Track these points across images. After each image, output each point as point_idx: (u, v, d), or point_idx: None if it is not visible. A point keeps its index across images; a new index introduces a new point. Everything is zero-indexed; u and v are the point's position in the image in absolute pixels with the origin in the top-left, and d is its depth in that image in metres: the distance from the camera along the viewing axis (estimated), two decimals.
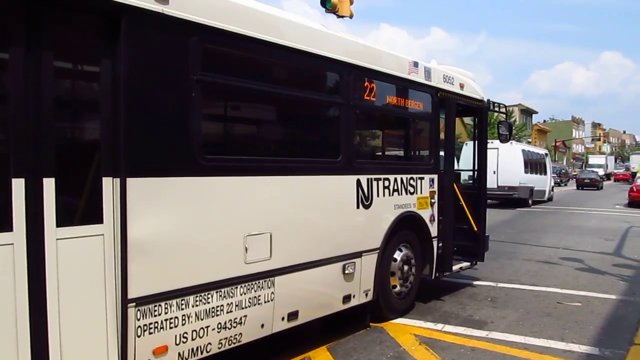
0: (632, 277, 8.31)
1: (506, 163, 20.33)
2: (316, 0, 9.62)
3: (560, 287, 7.47)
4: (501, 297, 6.97)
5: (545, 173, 25.20)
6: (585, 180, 40.77)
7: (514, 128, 22.66)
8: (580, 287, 7.48)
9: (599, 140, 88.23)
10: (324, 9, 9.33)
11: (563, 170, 50.95)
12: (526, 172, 22.04)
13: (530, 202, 22.54)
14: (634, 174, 34.40)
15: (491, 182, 15.89)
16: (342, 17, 9.50)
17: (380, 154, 6.35)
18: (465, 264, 7.29)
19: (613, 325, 5.79)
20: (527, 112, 74.41)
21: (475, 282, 7.78)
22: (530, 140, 71.89)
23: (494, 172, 19.50)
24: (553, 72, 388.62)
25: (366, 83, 5.37)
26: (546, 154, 26.72)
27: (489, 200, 16.79)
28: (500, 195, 21.28)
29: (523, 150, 22.71)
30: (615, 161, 76.91)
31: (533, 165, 23.34)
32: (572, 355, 4.84)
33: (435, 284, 6.96)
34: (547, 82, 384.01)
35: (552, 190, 27.04)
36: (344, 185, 5.09)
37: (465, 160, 16.29)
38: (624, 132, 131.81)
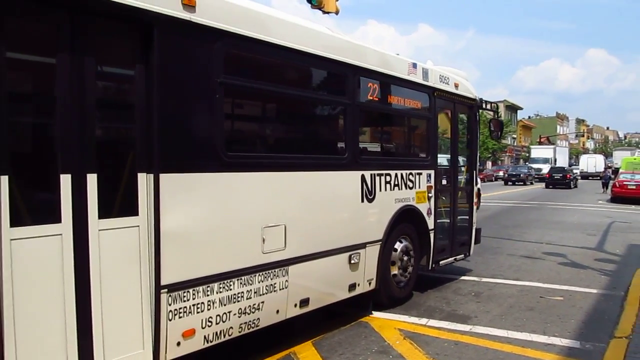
0: (613, 271, 8.46)
1: (598, 162, 52.93)
2: None
3: (543, 282, 7.58)
4: (485, 291, 7.05)
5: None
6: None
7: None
8: (562, 282, 7.60)
9: (583, 136, 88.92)
10: (310, 5, 9.30)
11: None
12: (605, 166, 50.83)
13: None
14: (616, 170, 34.83)
15: (593, 169, 52.61)
16: (328, 13, 9.48)
17: (382, 150, 6.56)
18: (459, 256, 7.56)
19: (594, 318, 5.89)
20: (513, 108, 74.92)
21: (460, 277, 7.87)
22: (515, 136, 72.59)
23: (594, 166, 52.23)
24: (539, 68, 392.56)
25: (370, 84, 5.61)
26: (606, 157, 60.30)
27: (590, 178, 50.61)
28: (595, 175, 49.10)
29: (603, 157, 57.03)
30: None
31: (605, 163, 53.05)
32: (553, 349, 4.91)
33: (420, 280, 7.02)
34: (533, 78, 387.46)
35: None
36: (350, 180, 5.35)
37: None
38: (608, 128, 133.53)
